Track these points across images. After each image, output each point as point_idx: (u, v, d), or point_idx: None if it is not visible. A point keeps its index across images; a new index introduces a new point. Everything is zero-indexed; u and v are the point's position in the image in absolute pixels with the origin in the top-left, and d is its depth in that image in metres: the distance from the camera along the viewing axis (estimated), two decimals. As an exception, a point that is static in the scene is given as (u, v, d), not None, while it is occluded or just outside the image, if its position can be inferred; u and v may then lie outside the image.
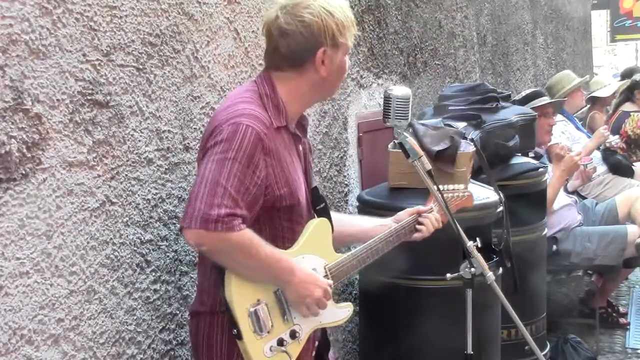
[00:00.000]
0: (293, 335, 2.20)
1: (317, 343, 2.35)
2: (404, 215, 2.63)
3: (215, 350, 2.18)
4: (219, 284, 2.11)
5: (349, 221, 2.69)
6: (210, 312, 2.18)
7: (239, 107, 2.15)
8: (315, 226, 2.29)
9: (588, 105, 7.01)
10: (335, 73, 2.29)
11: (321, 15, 2.21)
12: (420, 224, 2.61)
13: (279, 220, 2.21)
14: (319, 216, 2.34)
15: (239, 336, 2.09)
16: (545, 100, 5.13)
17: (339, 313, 2.36)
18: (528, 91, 5.26)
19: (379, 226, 2.58)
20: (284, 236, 2.22)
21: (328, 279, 2.27)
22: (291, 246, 2.23)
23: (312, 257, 2.26)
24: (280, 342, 2.16)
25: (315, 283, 2.20)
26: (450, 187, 2.78)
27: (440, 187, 2.61)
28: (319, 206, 2.36)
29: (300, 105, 2.31)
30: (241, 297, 2.10)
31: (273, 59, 2.27)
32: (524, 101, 4.97)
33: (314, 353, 2.34)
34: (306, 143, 2.38)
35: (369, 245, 2.45)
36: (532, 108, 4.74)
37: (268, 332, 2.14)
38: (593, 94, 6.99)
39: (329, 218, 2.36)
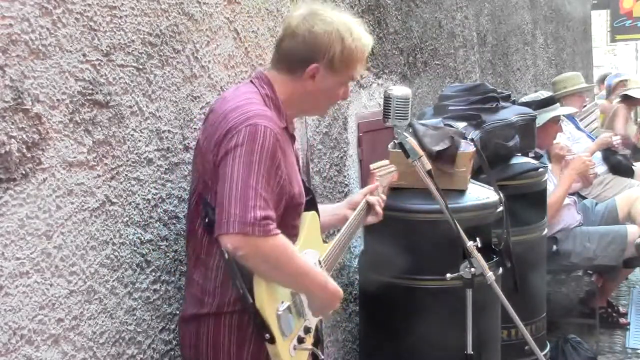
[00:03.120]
0: (307, 330, 2.22)
1: None
2: (359, 197, 2.63)
3: (222, 353, 2.15)
4: (233, 285, 2.06)
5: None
6: (216, 314, 2.15)
7: (251, 108, 2.12)
8: (308, 220, 2.29)
9: (619, 99, 7.01)
10: (322, 94, 2.25)
11: (332, 34, 2.17)
12: (371, 206, 2.61)
13: (288, 219, 2.20)
14: (307, 207, 2.33)
15: (272, 340, 2.05)
16: (559, 110, 5.16)
17: None
18: (544, 95, 5.25)
19: (333, 216, 2.60)
20: (289, 233, 2.18)
21: (323, 270, 2.29)
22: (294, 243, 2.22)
23: (310, 252, 2.27)
24: (300, 340, 2.18)
25: (338, 297, 2.23)
26: (379, 164, 2.77)
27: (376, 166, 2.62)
28: (309, 197, 2.34)
29: (294, 111, 2.30)
30: (271, 301, 2.08)
31: (275, 53, 2.29)
32: (538, 105, 4.96)
33: None
34: (297, 142, 2.42)
35: (345, 231, 2.48)
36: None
37: (292, 332, 2.14)
38: (626, 92, 7.00)
39: (317, 209, 2.37)
